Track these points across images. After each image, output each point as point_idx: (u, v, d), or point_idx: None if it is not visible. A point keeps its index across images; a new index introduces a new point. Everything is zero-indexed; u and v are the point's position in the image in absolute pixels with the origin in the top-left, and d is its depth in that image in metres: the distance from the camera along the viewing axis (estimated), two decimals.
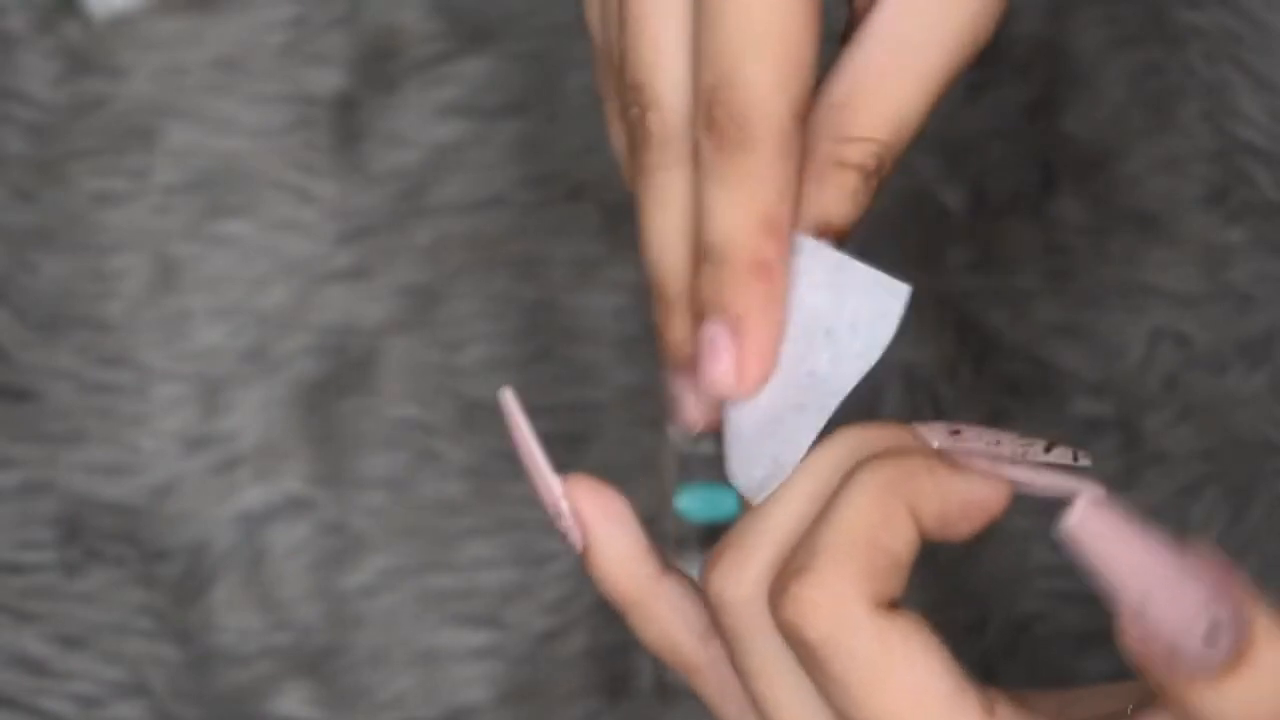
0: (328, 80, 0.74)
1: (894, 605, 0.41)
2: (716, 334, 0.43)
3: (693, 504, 0.65)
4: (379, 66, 0.74)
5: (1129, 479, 0.71)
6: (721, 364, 0.43)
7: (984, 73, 0.73)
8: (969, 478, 0.43)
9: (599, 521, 0.46)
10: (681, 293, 0.44)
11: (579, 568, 0.71)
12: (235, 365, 0.72)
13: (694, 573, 0.64)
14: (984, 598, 0.71)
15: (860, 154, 0.44)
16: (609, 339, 0.72)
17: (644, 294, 0.73)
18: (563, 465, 0.72)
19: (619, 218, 0.72)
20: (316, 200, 0.73)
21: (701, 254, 0.43)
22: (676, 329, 0.45)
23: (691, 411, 0.45)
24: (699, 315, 0.44)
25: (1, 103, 0.74)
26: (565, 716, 0.70)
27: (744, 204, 0.43)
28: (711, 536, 0.64)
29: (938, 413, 0.71)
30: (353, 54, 0.74)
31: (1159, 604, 0.39)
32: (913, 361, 0.71)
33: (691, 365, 0.44)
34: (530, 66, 0.74)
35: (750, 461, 0.44)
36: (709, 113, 0.42)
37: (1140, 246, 0.72)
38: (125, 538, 0.71)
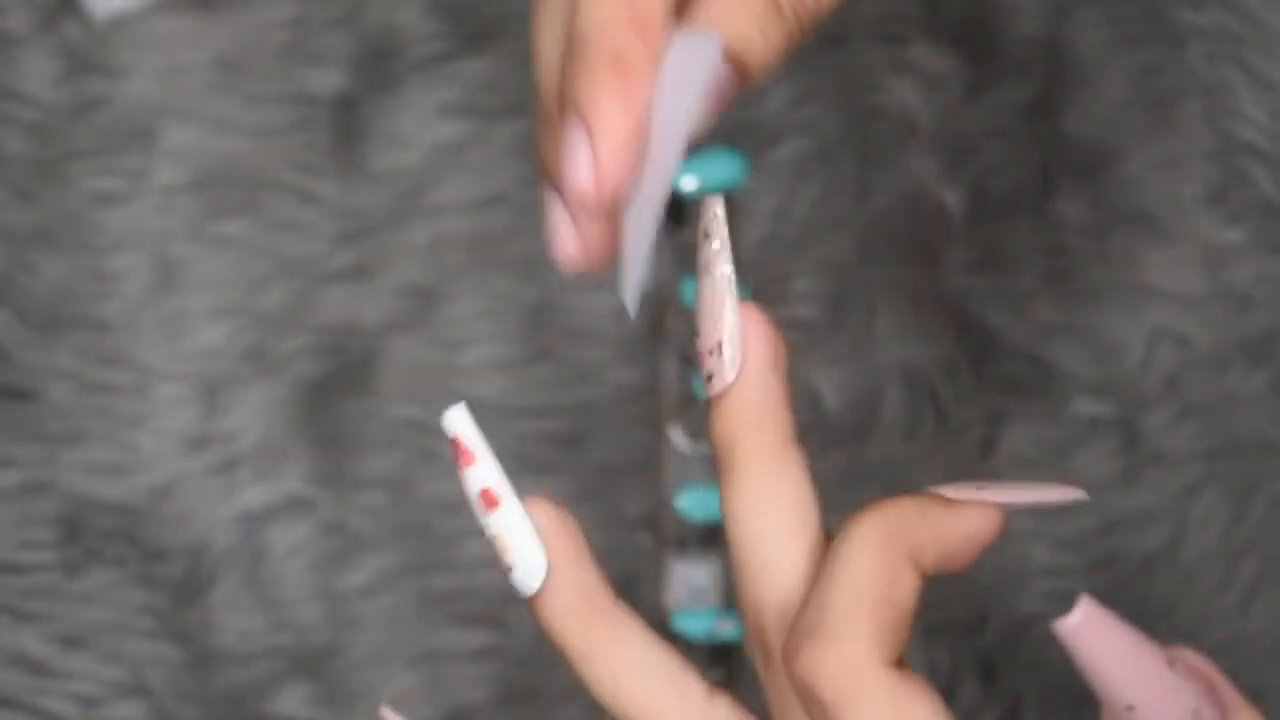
0: (328, 80, 0.74)
1: (901, 663, 0.41)
2: (574, 134, 0.41)
3: (693, 504, 0.65)
4: (379, 66, 0.74)
5: (1129, 479, 0.71)
6: (579, 165, 0.41)
7: (984, 73, 0.73)
8: (961, 512, 0.42)
9: (558, 554, 0.44)
10: (551, 95, 0.43)
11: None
12: (235, 365, 0.72)
13: (698, 572, 0.64)
14: (984, 598, 0.71)
15: None
16: (609, 339, 0.72)
17: (644, 293, 0.73)
18: (563, 465, 0.72)
19: None
20: (316, 200, 0.73)
21: (570, 53, 0.41)
22: (546, 140, 0.43)
23: (564, 237, 0.43)
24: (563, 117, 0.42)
25: (1, 103, 0.74)
26: (565, 716, 0.70)
27: None
28: (711, 536, 0.64)
29: (938, 413, 0.71)
30: (353, 54, 0.74)
31: (1147, 706, 0.40)
32: (913, 361, 0.71)
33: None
34: (530, 66, 0.74)
35: (633, 263, 0.43)
36: None
37: (1140, 246, 0.72)
38: (125, 538, 0.71)
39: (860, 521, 0.41)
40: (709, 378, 0.43)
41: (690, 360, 0.72)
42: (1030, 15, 0.74)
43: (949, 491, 0.42)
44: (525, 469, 0.71)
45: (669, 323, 0.72)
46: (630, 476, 0.71)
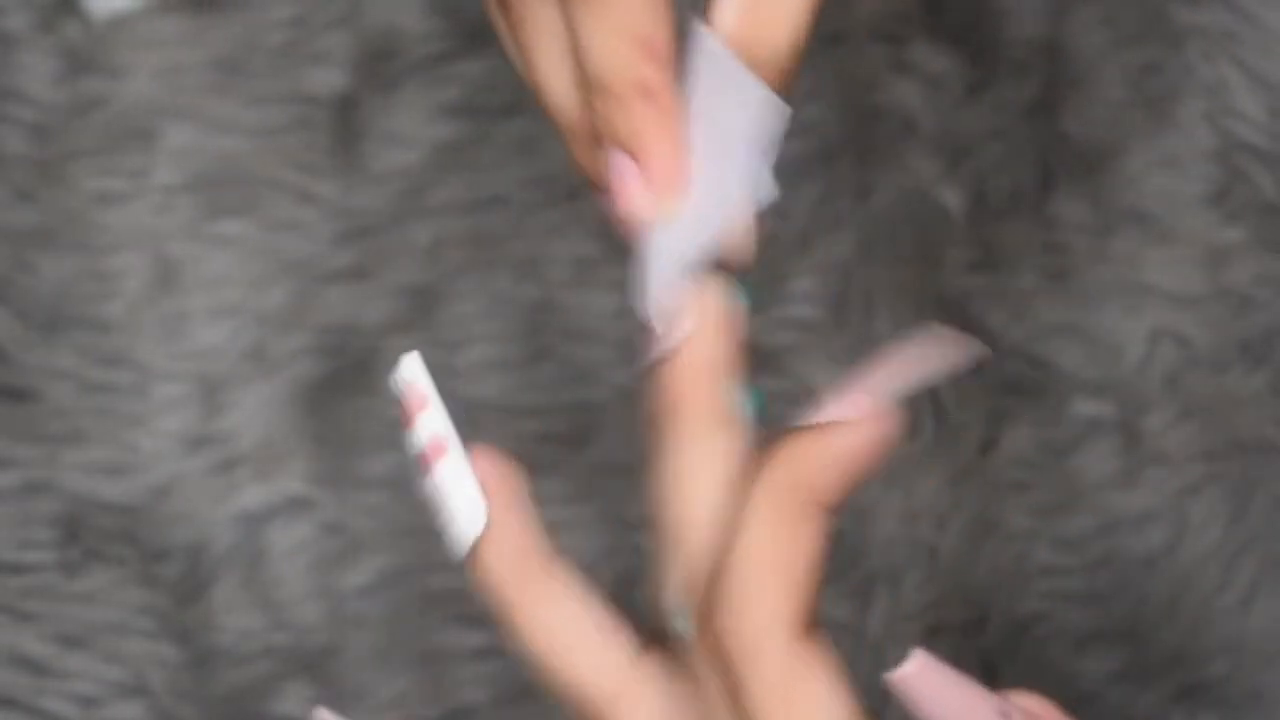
0: (328, 80, 0.74)
1: (812, 622, 0.42)
2: (620, 162, 0.43)
3: None
4: (379, 66, 0.74)
5: (1129, 479, 0.71)
6: (634, 190, 0.43)
7: (984, 73, 0.73)
8: (846, 431, 0.42)
9: (499, 505, 0.45)
10: (577, 122, 0.44)
11: (579, 567, 0.71)
12: (235, 365, 0.72)
13: None
14: (984, 598, 0.71)
15: None
16: (609, 339, 0.72)
17: None
18: (563, 465, 0.73)
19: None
20: (316, 200, 0.73)
21: (590, 86, 0.43)
22: (585, 155, 0.45)
23: (636, 193, 0.44)
24: (601, 144, 0.44)
25: (1, 103, 0.74)
26: (565, 716, 0.70)
27: (615, 30, 0.43)
28: None
29: (938, 412, 0.71)
30: (353, 54, 0.74)
31: None
32: None
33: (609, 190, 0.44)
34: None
35: (674, 259, 0.44)
36: None
37: (1140, 246, 0.72)
38: (125, 538, 0.71)
39: (759, 484, 0.42)
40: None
41: None
42: (1030, 15, 0.74)
43: (830, 411, 0.42)
44: (525, 469, 0.71)
45: None
46: (630, 476, 0.71)
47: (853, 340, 0.72)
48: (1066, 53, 0.73)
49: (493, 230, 0.73)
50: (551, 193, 0.73)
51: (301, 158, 0.73)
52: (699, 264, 0.44)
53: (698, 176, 0.44)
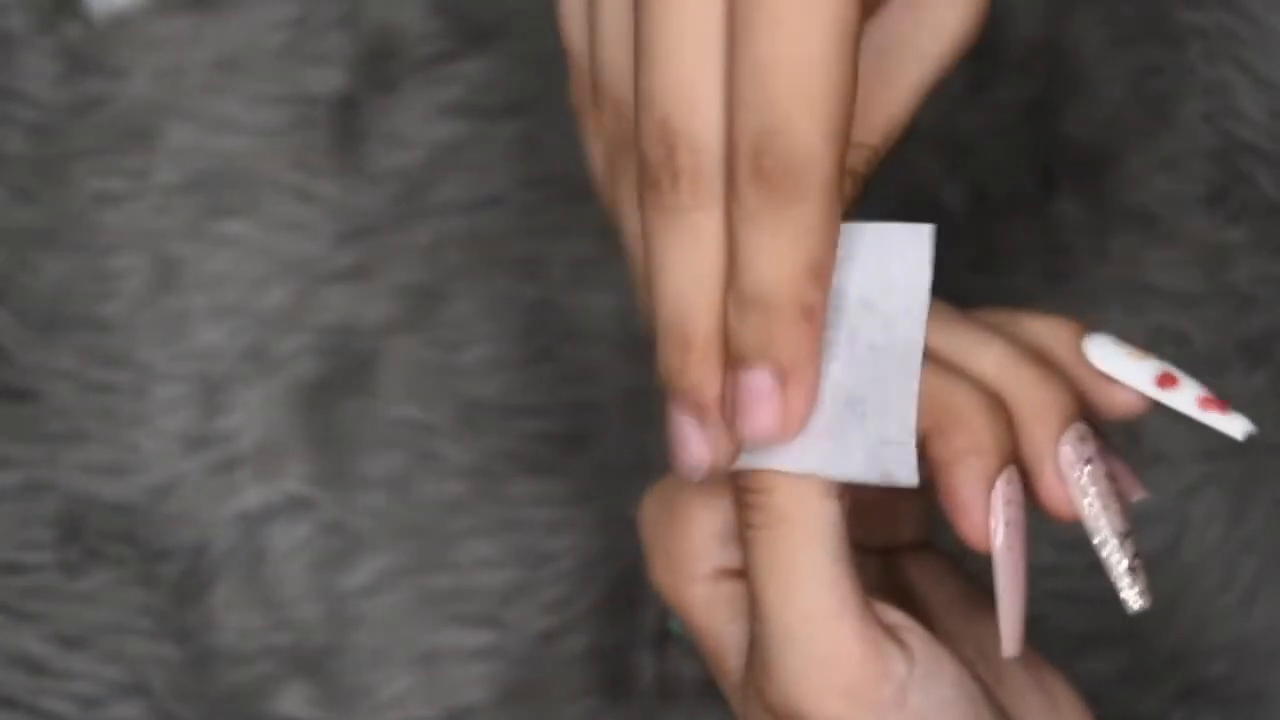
0: (328, 80, 0.74)
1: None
2: (760, 382, 0.43)
3: None
4: (379, 66, 0.74)
5: None
6: (767, 411, 0.44)
7: (984, 73, 0.73)
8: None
9: None
10: (710, 336, 0.44)
11: (579, 567, 0.71)
12: (235, 365, 0.72)
13: None
14: None
15: (854, 159, 0.46)
16: (609, 339, 0.72)
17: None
18: (563, 465, 0.72)
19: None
20: (316, 200, 0.73)
21: (739, 300, 0.43)
22: (699, 373, 0.44)
23: (699, 450, 0.45)
24: (730, 361, 0.44)
25: (1, 103, 0.74)
26: (565, 716, 0.70)
27: (793, 253, 0.43)
28: None
29: None
30: (353, 54, 0.74)
31: None
32: None
33: (709, 409, 0.44)
34: (530, 66, 0.74)
35: (839, 455, 0.45)
36: (755, 161, 0.42)
37: (1140, 246, 0.72)
38: (125, 538, 0.71)
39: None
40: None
41: None
42: (1030, 15, 0.74)
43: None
44: (525, 469, 0.71)
45: None
46: (630, 476, 0.71)
47: None
48: (1066, 53, 0.73)
49: (493, 230, 0.73)
50: (551, 193, 0.73)
51: (301, 158, 0.73)
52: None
53: (834, 354, 0.45)
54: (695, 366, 0.44)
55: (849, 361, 0.45)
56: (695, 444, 0.44)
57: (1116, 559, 0.46)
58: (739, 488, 0.45)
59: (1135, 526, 0.47)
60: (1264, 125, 0.73)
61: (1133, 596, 0.46)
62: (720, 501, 0.47)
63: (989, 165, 0.73)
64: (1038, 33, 0.73)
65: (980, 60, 0.74)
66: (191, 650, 0.70)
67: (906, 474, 0.44)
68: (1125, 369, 0.47)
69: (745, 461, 0.45)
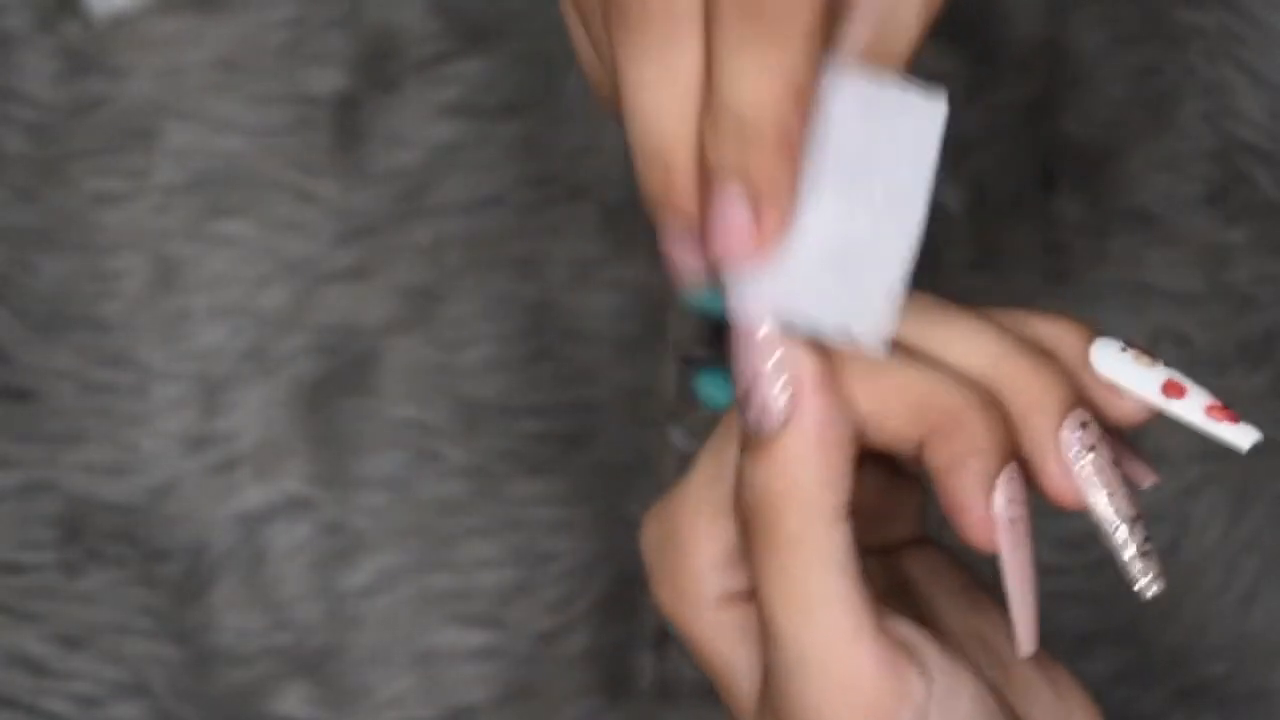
0: (328, 80, 0.74)
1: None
2: (734, 201, 0.43)
3: None
4: (379, 66, 0.74)
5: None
6: (740, 230, 0.43)
7: (984, 73, 0.73)
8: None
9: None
10: (690, 159, 0.43)
11: (579, 567, 0.71)
12: (235, 365, 0.72)
13: None
14: None
15: (895, 41, 0.45)
16: (609, 339, 0.72)
17: (644, 294, 0.73)
18: (563, 465, 0.72)
19: (619, 218, 0.72)
20: (316, 200, 0.73)
21: (716, 122, 0.42)
22: (683, 191, 0.44)
23: (695, 260, 0.44)
24: (704, 182, 0.43)
25: (1, 103, 0.74)
26: (565, 716, 0.70)
27: (776, 73, 0.42)
28: None
29: None
30: (353, 54, 0.74)
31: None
32: None
33: (695, 227, 0.44)
34: (530, 66, 0.74)
35: (815, 304, 0.44)
36: None
37: (1140, 246, 0.72)
38: (125, 538, 0.71)
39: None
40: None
41: (690, 361, 0.72)
42: (1030, 15, 0.74)
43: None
44: (525, 469, 0.71)
45: (669, 323, 0.72)
46: (630, 476, 0.71)
47: None
48: (1066, 53, 0.73)
49: (493, 230, 0.73)
50: (551, 193, 0.73)
51: (301, 158, 0.73)
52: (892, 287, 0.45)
53: (837, 205, 0.44)
54: (680, 185, 0.44)
55: (842, 214, 0.44)
56: (693, 257, 0.44)
57: (1127, 546, 0.46)
58: (745, 512, 0.44)
59: (1144, 511, 0.46)
60: (1264, 125, 0.73)
61: (1145, 583, 0.46)
62: (723, 525, 0.46)
63: (989, 165, 0.73)
64: (1038, 33, 0.73)
65: (980, 60, 0.74)
66: (191, 650, 0.70)
67: (874, 342, 0.44)
68: (1132, 377, 0.47)
69: (725, 299, 0.44)
